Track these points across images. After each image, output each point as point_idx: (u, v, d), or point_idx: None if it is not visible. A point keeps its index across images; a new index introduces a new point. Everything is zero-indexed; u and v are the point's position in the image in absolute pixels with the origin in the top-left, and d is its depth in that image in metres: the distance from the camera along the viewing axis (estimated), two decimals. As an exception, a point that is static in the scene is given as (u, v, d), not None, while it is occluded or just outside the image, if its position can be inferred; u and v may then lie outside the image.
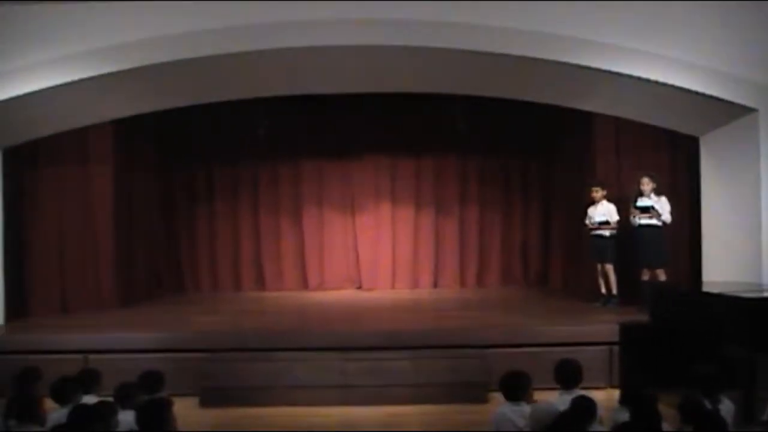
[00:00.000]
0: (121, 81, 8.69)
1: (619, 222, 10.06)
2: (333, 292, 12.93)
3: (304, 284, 13.36)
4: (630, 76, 8.62)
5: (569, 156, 12.42)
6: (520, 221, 13.59)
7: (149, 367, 6.35)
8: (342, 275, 13.39)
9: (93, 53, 8.42)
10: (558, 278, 12.97)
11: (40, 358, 7.56)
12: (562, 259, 12.92)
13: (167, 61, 8.43)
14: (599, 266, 10.19)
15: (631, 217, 9.80)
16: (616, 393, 6.64)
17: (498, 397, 5.57)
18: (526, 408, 5.30)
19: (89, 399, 5.57)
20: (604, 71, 8.62)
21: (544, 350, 8.09)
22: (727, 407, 5.22)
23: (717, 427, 4.50)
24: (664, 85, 8.65)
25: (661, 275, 9.66)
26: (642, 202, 9.70)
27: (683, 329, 7.65)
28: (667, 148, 10.66)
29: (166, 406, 4.76)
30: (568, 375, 5.68)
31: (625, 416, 4.86)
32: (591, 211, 10.27)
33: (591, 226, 10.22)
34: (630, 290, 9.96)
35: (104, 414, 4.84)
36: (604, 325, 8.64)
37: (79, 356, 8.33)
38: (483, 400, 7.72)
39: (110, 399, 5.38)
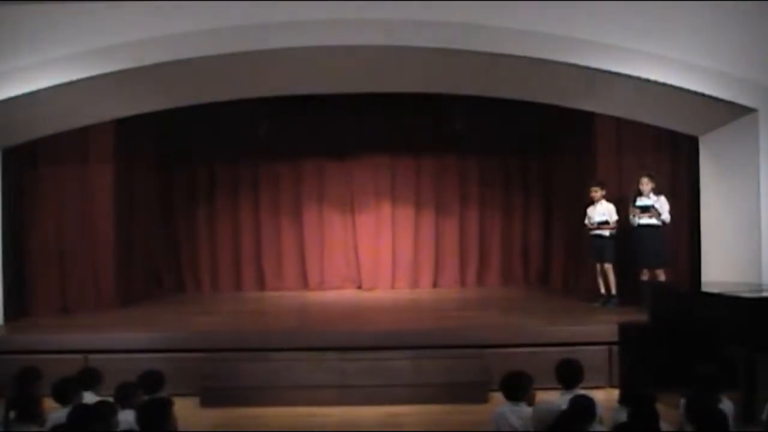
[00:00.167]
0: (121, 81, 8.69)
1: (618, 222, 10.06)
2: (333, 292, 12.93)
3: (304, 284, 13.36)
4: (630, 77, 8.62)
5: (569, 156, 12.43)
6: (520, 221, 13.58)
7: (149, 367, 6.35)
8: (342, 275, 13.39)
9: (93, 53, 8.41)
10: (558, 278, 12.97)
11: (39, 358, 7.55)
12: (562, 259, 12.92)
13: (167, 61, 8.42)
14: (598, 266, 10.18)
15: (631, 217, 9.80)
16: (615, 393, 6.63)
17: (498, 396, 5.58)
18: (525, 408, 5.31)
19: (89, 398, 5.58)
20: (605, 71, 8.62)
21: (544, 350, 8.11)
22: (726, 407, 5.22)
23: (720, 428, 4.51)
24: (664, 85, 8.65)
25: (661, 275, 9.66)
26: (641, 201, 9.71)
27: (683, 329, 7.67)
28: (667, 148, 10.67)
29: (166, 405, 4.77)
30: (569, 374, 5.68)
31: (624, 416, 4.87)
32: (590, 211, 10.27)
33: (590, 226, 10.22)
34: (629, 290, 9.97)
35: (104, 414, 4.84)
36: (604, 325, 8.65)
37: (79, 356, 8.33)
38: (483, 400, 7.72)
39: (110, 399, 5.38)
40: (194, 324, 9.72)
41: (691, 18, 8.64)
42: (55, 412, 5.36)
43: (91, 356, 8.34)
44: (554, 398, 5.38)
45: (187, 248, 13.45)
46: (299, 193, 13.40)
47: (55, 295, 10.65)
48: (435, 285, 13.37)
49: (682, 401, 5.44)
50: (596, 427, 4.88)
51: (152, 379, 5.99)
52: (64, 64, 8.42)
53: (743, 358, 6.54)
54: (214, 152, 13.30)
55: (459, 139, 12.85)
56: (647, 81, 8.63)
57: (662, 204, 9.68)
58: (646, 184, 9.72)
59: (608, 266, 10.06)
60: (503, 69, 9.00)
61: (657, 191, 9.75)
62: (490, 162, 13.49)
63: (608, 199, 10.21)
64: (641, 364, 7.85)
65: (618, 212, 10.09)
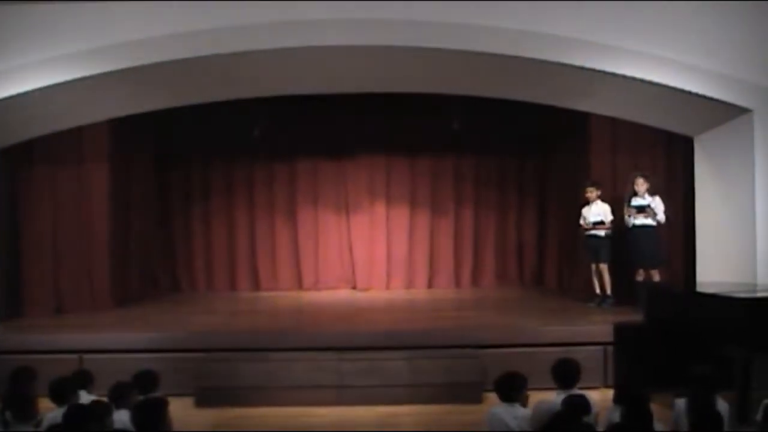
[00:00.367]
0: (117, 81, 8.68)
1: (613, 222, 10.06)
2: (328, 292, 12.92)
3: (299, 284, 13.35)
4: (625, 77, 8.63)
5: (565, 156, 12.43)
6: (515, 221, 13.58)
7: (144, 366, 6.34)
8: (337, 275, 13.38)
9: (89, 53, 8.40)
10: (553, 278, 12.97)
11: (34, 358, 7.53)
12: (557, 260, 12.92)
13: (164, 60, 8.41)
14: (594, 266, 10.19)
15: (626, 217, 9.81)
16: (611, 393, 6.65)
17: (493, 397, 5.58)
18: (520, 409, 5.31)
19: (84, 398, 5.58)
20: (600, 71, 8.63)
21: (539, 350, 8.12)
22: (721, 408, 5.23)
23: (716, 429, 4.52)
24: (659, 85, 8.67)
25: (656, 275, 9.68)
26: (637, 201, 9.72)
27: (678, 329, 7.68)
28: (662, 148, 10.69)
29: (162, 405, 4.76)
30: (566, 374, 5.68)
31: (619, 416, 4.88)
32: (585, 211, 10.27)
33: (586, 227, 10.22)
34: (624, 290, 9.97)
35: (99, 414, 4.84)
36: (599, 326, 8.68)
37: (74, 356, 8.33)
38: (478, 400, 7.73)
39: (104, 399, 5.38)
40: (189, 324, 9.70)
41: (686, 18, 8.66)
42: (52, 413, 5.35)
43: (86, 356, 8.35)
44: (551, 398, 5.38)
45: (182, 248, 13.43)
46: (294, 193, 13.39)
47: (50, 295, 10.61)
48: (430, 285, 13.35)
49: (677, 401, 5.46)
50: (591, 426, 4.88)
51: (147, 379, 5.98)
52: (60, 64, 8.41)
53: (738, 358, 6.55)
54: (209, 152, 13.29)
55: (454, 139, 12.85)
56: (642, 81, 8.65)
57: (657, 204, 9.69)
58: (641, 185, 9.73)
59: (603, 266, 10.07)
60: (500, 69, 9.01)
61: (652, 191, 9.76)
62: (485, 162, 13.49)
63: (603, 200, 10.21)
64: (636, 364, 7.86)
65: (613, 212, 10.09)
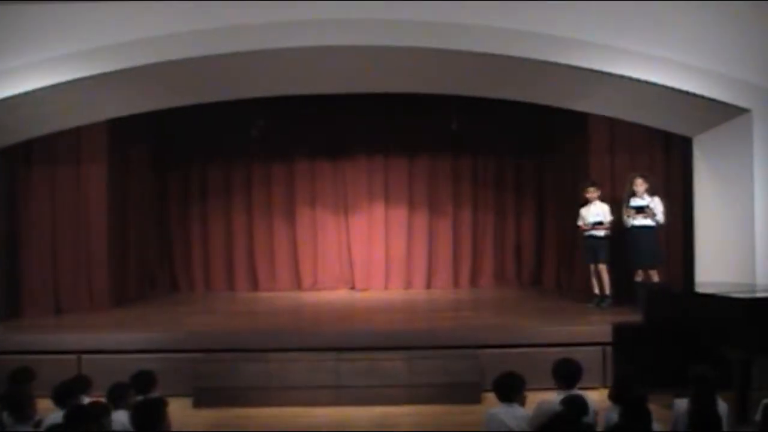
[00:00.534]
0: (116, 81, 8.68)
1: (612, 222, 10.06)
2: (326, 293, 12.91)
3: (298, 284, 13.35)
4: (623, 77, 8.64)
5: (563, 156, 12.44)
6: (513, 222, 13.58)
7: (142, 367, 6.33)
8: (335, 275, 13.37)
9: (88, 53, 8.40)
10: (551, 279, 12.98)
11: (33, 359, 7.55)
12: (555, 260, 12.93)
13: (162, 61, 8.42)
14: (592, 267, 10.18)
15: (625, 218, 9.80)
16: (609, 393, 6.66)
17: (491, 397, 5.58)
18: (519, 409, 5.31)
19: (82, 399, 5.57)
20: (598, 72, 8.64)
21: (538, 351, 8.13)
22: (720, 408, 5.23)
23: (715, 429, 4.53)
24: (658, 85, 8.67)
25: (655, 276, 9.67)
26: (636, 202, 9.72)
27: (676, 330, 7.68)
28: (661, 148, 10.69)
29: (161, 406, 4.76)
30: (567, 374, 5.68)
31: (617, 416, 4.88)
32: (584, 211, 10.26)
33: (584, 227, 10.21)
34: (623, 291, 9.97)
35: (98, 414, 4.84)
36: (598, 326, 8.68)
37: (73, 356, 8.34)
38: (476, 400, 7.73)
39: (102, 399, 5.38)
40: (188, 324, 9.70)
41: (684, 19, 8.67)
42: (53, 414, 5.34)
43: (85, 356, 8.36)
44: (552, 398, 5.37)
45: (180, 248, 13.44)
46: (293, 193, 13.39)
47: (49, 295, 10.61)
48: (428, 286, 13.35)
49: (676, 401, 5.45)
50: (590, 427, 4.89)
51: (144, 380, 5.98)
52: (58, 65, 8.41)
53: (737, 358, 6.55)
54: (208, 152, 13.29)
55: (453, 139, 12.85)
56: (641, 81, 8.66)
57: (656, 205, 9.69)
58: (640, 185, 9.73)
59: (602, 267, 10.06)
60: (498, 69, 9.02)
61: (651, 192, 9.76)
62: (484, 162, 13.49)
63: (602, 200, 10.21)
64: (635, 364, 7.86)
65: (612, 212, 10.09)
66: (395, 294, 12.73)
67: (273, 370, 8.10)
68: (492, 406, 5.50)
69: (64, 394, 5.54)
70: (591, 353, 8.19)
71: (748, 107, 8.77)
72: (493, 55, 8.55)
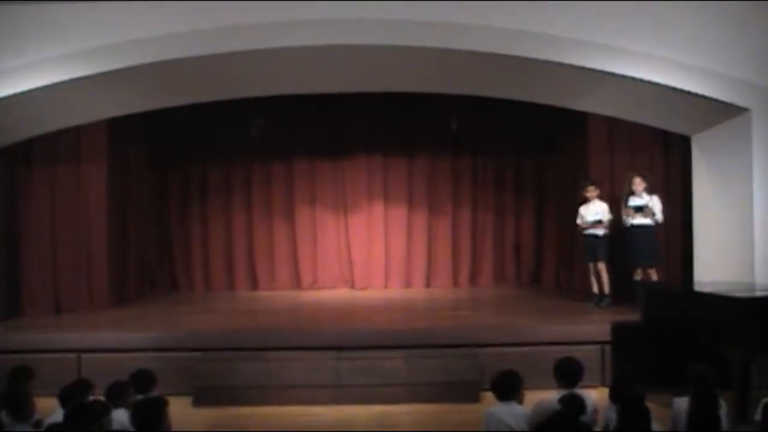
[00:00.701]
0: (115, 80, 8.68)
1: (611, 221, 10.06)
2: (326, 292, 12.92)
3: (297, 284, 13.35)
4: (623, 76, 8.64)
5: (562, 155, 12.45)
6: (513, 221, 13.58)
7: (142, 366, 6.33)
8: (335, 275, 13.38)
9: (87, 52, 8.40)
10: (550, 278, 12.99)
11: (33, 358, 7.57)
12: (554, 259, 12.94)
13: (162, 60, 8.42)
14: (592, 266, 10.19)
15: (624, 217, 9.81)
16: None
17: (491, 396, 5.58)
18: (518, 407, 5.32)
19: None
20: (598, 71, 8.64)
21: (537, 350, 8.15)
22: (720, 408, 5.23)
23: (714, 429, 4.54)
24: (657, 84, 8.67)
25: (654, 275, 9.68)
26: (635, 201, 9.72)
27: (675, 329, 7.68)
28: (660, 147, 10.69)
29: (161, 405, 4.76)
30: (569, 373, 5.68)
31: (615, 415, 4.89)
32: (583, 210, 10.26)
33: (584, 226, 10.21)
34: (622, 290, 9.97)
35: (98, 413, 4.84)
36: (597, 325, 8.69)
37: (72, 356, 8.36)
38: (476, 399, 7.74)
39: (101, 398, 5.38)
40: (187, 323, 9.70)
41: (684, 18, 8.66)
42: (55, 414, 5.35)
43: (85, 355, 8.37)
44: (551, 397, 5.38)
45: (180, 248, 13.44)
46: (292, 192, 13.39)
47: (49, 295, 10.62)
48: (428, 285, 13.35)
49: (676, 401, 5.46)
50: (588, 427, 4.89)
51: (144, 379, 5.98)
52: (57, 64, 8.41)
53: (736, 357, 6.55)
54: (207, 152, 13.29)
55: (452, 138, 12.86)
56: (640, 81, 8.66)
57: (655, 204, 9.69)
58: (639, 184, 9.73)
59: (601, 265, 10.06)
60: (498, 69, 9.02)
61: (650, 191, 9.76)
62: (483, 161, 13.50)
63: (601, 199, 10.21)
64: (634, 363, 7.86)
65: (611, 212, 10.09)
66: (395, 293, 12.74)
67: (273, 369, 8.11)
68: (491, 405, 5.50)
69: (68, 398, 5.54)
70: (590, 352, 8.19)
71: (747, 107, 8.77)
72: (492, 55, 8.55)
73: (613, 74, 8.64)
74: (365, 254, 13.34)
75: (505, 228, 13.57)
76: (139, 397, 5.44)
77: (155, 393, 5.71)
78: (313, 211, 13.39)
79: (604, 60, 8.58)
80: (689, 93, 8.70)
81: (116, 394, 5.50)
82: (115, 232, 11.38)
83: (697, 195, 10.00)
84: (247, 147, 12.89)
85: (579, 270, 11.03)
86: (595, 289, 10.14)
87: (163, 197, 13.41)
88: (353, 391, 7.94)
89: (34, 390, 5.77)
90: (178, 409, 6.75)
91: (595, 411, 5.38)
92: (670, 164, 10.67)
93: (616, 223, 10.00)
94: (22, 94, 8.53)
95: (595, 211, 10.12)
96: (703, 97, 8.73)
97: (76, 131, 10.37)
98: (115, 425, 5.07)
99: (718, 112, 9.03)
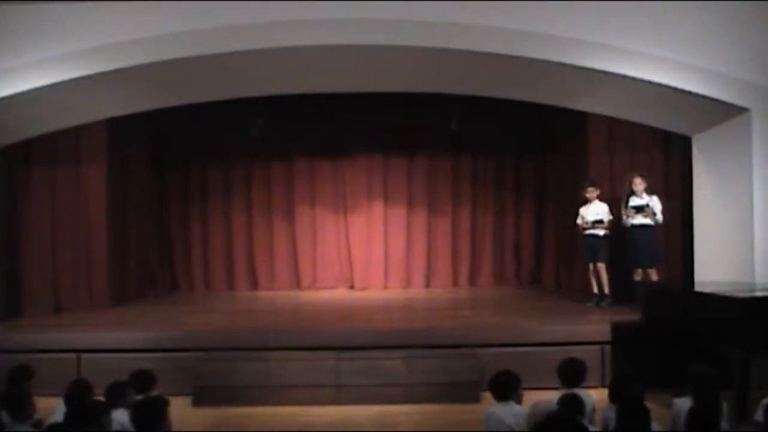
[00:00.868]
0: (114, 80, 8.68)
1: (611, 221, 10.06)
2: (325, 292, 12.91)
3: (297, 284, 13.35)
4: (623, 76, 8.64)
5: (562, 155, 12.45)
6: (512, 221, 13.57)
7: (142, 366, 6.33)
8: (334, 275, 13.37)
9: (88, 52, 8.40)
10: (550, 278, 12.98)
11: (33, 357, 7.57)
12: (554, 259, 12.93)
13: (162, 60, 8.42)
14: (591, 266, 10.18)
15: (624, 218, 9.80)
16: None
17: (490, 396, 5.58)
18: (516, 407, 5.33)
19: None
20: (598, 71, 8.64)
21: (537, 350, 8.16)
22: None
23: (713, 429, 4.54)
24: (657, 84, 8.67)
25: (654, 275, 9.67)
26: (635, 201, 9.72)
27: (675, 329, 7.68)
28: (660, 147, 10.68)
29: (162, 405, 4.77)
30: (572, 373, 5.69)
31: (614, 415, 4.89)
32: (583, 210, 10.26)
33: (584, 226, 10.21)
34: (622, 290, 9.97)
35: (98, 413, 4.84)
36: (597, 325, 8.68)
37: (72, 355, 8.35)
38: (475, 399, 7.73)
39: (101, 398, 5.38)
40: (187, 323, 9.70)
41: (684, 18, 8.67)
42: (56, 414, 5.35)
43: (84, 355, 8.36)
44: (549, 397, 5.38)
45: (180, 248, 13.43)
46: (292, 192, 13.38)
47: (49, 295, 10.62)
48: (427, 285, 13.35)
49: (676, 401, 5.46)
50: (589, 427, 4.89)
51: (143, 379, 5.97)
52: (57, 64, 8.41)
53: (736, 358, 6.55)
54: (207, 152, 13.28)
55: (452, 138, 12.85)
56: (640, 81, 8.66)
57: (655, 204, 9.69)
58: (639, 184, 9.72)
59: (601, 266, 10.06)
60: (497, 69, 9.02)
61: (650, 191, 9.76)
62: (483, 162, 13.49)
63: (602, 199, 10.21)
64: (633, 363, 7.85)
65: (611, 212, 10.08)
66: (394, 293, 12.73)
67: (272, 369, 8.11)
68: (491, 405, 5.50)
69: (72, 398, 5.55)
70: (590, 352, 8.16)
71: (747, 106, 8.77)
72: (492, 55, 8.55)
73: (613, 74, 8.64)
74: (365, 254, 13.33)
75: (504, 228, 13.57)
76: (139, 397, 5.44)
77: (155, 393, 5.71)
78: (313, 211, 13.39)
79: (604, 60, 8.58)
80: (689, 93, 8.71)
81: (116, 394, 5.49)
82: (115, 232, 11.37)
83: (697, 195, 10.00)
84: (247, 147, 12.89)
85: (579, 270, 11.03)
86: (595, 289, 10.14)
87: (163, 197, 13.40)
88: (353, 391, 7.93)
89: (33, 390, 5.77)
90: (178, 409, 6.72)
91: (594, 411, 5.38)
92: (670, 164, 10.66)
93: (616, 224, 9.99)
94: (22, 94, 8.52)
95: (595, 212, 10.12)
96: (703, 97, 8.73)
97: (75, 131, 10.37)
98: (115, 425, 5.07)
99: (718, 112, 9.03)
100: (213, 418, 7.54)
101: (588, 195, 10.23)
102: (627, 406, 4.68)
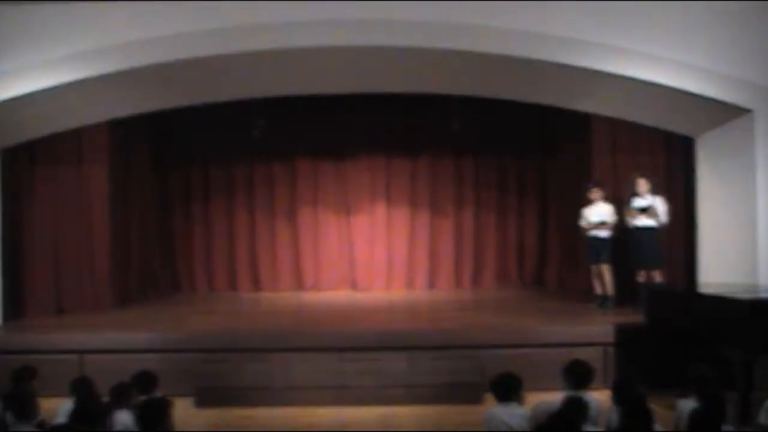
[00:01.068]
0: (118, 82, 8.69)
1: (615, 223, 10.04)
2: (328, 293, 12.90)
3: (300, 285, 13.33)
4: (626, 77, 8.64)
5: (565, 156, 12.43)
6: (515, 222, 13.55)
7: (144, 367, 6.33)
8: (337, 276, 13.36)
9: (90, 54, 8.41)
10: (553, 279, 12.96)
11: (36, 358, 7.56)
12: (557, 260, 12.92)
13: (164, 61, 8.43)
14: (595, 267, 10.17)
15: (628, 219, 9.79)
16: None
17: (493, 397, 5.57)
18: (517, 408, 5.32)
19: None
20: (601, 72, 8.64)
21: (540, 351, 8.16)
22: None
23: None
24: (661, 85, 8.67)
25: (657, 276, 9.66)
26: (638, 202, 9.70)
27: (678, 330, 7.67)
28: (663, 148, 10.66)
29: (166, 406, 4.77)
30: (578, 376, 5.67)
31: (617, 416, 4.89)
32: (586, 212, 10.25)
33: (587, 227, 10.20)
34: (626, 291, 9.95)
35: (100, 414, 4.84)
36: (600, 326, 8.68)
37: (75, 356, 8.36)
38: (478, 400, 7.73)
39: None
40: (189, 324, 9.72)
41: (687, 18, 8.67)
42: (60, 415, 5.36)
43: (87, 356, 8.36)
44: (549, 399, 5.37)
45: (182, 248, 13.43)
46: (294, 193, 13.38)
47: (52, 296, 10.62)
48: (430, 286, 13.33)
49: (680, 402, 5.45)
50: (589, 427, 4.88)
51: (146, 380, 5.98)
52: (60, 66, 8.43)
53: (739, 359, 6.54)
54: (209, 152, 13.28)
55: (455, 140, 12.84)
56: (643, 82, 8.66)
57: (659, 205, 9.67)
58: (643, 185, 9.70)
59: (605, 267, 10.04)
60: (500, 70, 9.02)
61: (653, 192, 9.74)
62: (486, 163, 13.46)
63: (605, 200, 10.20)
64: (637, 365, 7.85)
65: (615, 213, 10.07)
66: (397, 294, 12.73)
67: (275, 370, 8.11)
68: (493, 406, 5.50)
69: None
70: (593, 353, 8.16)
71: (750, 107, 8.76)
72: (495, 56, 8.55)
73: (615, 75, 8.64)
74: (367, 255, 13.32)
75: (507, 229, 13.55)
76: (142, 398, 5.44)
77: (157, 394, 5.71)
78: (315, 211, 13.38)
79: (607, 61, 8.58)
80: (692, 94, 8.70)
81: (119, 395, 5.50)
82: (118, 233, 11.38)
83: (700, 196, 10.00)
84: (249, 148, 12.89)
85: (582, 271, 11.00)
86: (598, 290, 10.12)
87: (166, 198, 13.39)
88: (355, 392, 7.93)
89: (36, 390, 5.78)
90: (180, 410, 6.76)
91: (598, 413, 5.37)
92: (673, 165, 10.65)
93: (620, 225, 9.98)
94: (26, 95, 8.55)
95: (598, 213, 10.11)
96: (707, 98, 8.72)
97: (78, 132, 10.37)
98: (118, 426, 5.07)
99: (722, 113, 9.02)
100: (215, 419, 7.55)
101: (591, 196, 10.22)
102: (630, 407, 4.67)
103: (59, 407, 5.60)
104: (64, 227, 10.73)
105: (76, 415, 4.74)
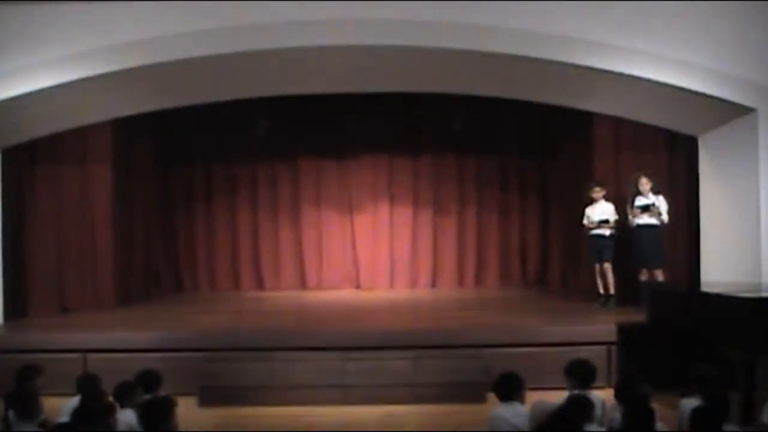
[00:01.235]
0: (119, 81, 8.69)
1: (617, 221, 10.04)
2: (331, 292, 12.91)
3: (303, 284, 13.36)
4: (629, 76, 8.62)
5: (568, 155, 12.42)
6: (518, 221, 13.57)
7: (148, 366, 6.34)
8: (340, 275, 13.38)
9: (92, 53, 8.41)
10: (556, 278, 12.97)
11: (39, 357, 7.53)
12: (560, 259, 12.92)
13: (166, 60, 8.43)
14: (597, 266, 10.16)
15: (630, 217, 9.78)
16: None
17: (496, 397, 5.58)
18: (520, 407, 5.33)
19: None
20: (603, 71, 8.62)
21: (543, 350, 8.15)
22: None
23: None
24: (663, 84, 8.65)
25: (659, 275, 9.65)
26: (641, 201, 9.69)
27: (681, 330, 7.66)
28: (666, 147, 10.66)
29: (170, 405, 4.78)
30: (581, 375, 5.68)
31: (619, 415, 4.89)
32: (589, 211, 10.25)
33: (590, 226, 10.20)
34: (628, 290, 9.95)
35: (104, 413, 4.85)
36: (602, 325, 8.66)
37: (78, 355, 8.35)
38: (481, 400, 7.71)
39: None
40: (193, 323, 9.72)
41: (690, 17, 8.65)
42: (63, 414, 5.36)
43: (90, 355, 8.37)
44: (549, 398, 5.37)
45: (185, 248, 13.46)
46: (297, 192, 13.41)
47: (55, 295, 10.65)
48: (433, 285, 13.36)
49: (683, 401, 5.45)
50: (593, 427, 4.88)
51: (150, 379, 5.98)
52: (63, 64, 8.43)
53: (742, 358, 6.53)
54: (212, 152, 13.31)
55: (457, 139, 12.86)
56: (646, 80, 8.64)
57: (661, 203, 9.67)
58: (645, 184, 9.69)
59: (607, 266, 10.04)
60: (501, 69, 9.01)
61: (655, 190, 9.74)
62: (489, 162, 13.48)
63: (607, 199, 10.20)
64: (639, 364, 7.84)
65: (617, 212, 10.07)
66: (400, 293, 12.74)
67: (278, 370, 8.11)
68: (493, 407, 5.50)
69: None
70: (596, 353, 8.12)
71: (753, 106, 8.75)
72: (496, 55, 8.54)
73: (618, 74, 8.63)
74: (370, 254, 13.34)
75: (510, 228, 13.56)
76: (146, 397, 5.45)
77: (161, 393, 5.71)
78: (319, 211, 13.40)
79: (609, 60, 8.57)
80: (695, 93, 8.69)
81: (123, 394, 5.51)
82: (120, 232, 11.40)
83: (703, 195, 9.99)
84: (252, 147, 12.93)
85: (585, 270, 11.00)
86: (601, 289, 10.12)
87: (168, 197, 13.42)
88: (358, 391, 7.93)
89: (39, 389, 5.78)
90: (184, 409, 6.73)
91: (603, 412, 5.37)
92: (676, 164, 10.65)
93: (622, 224, 9.97)
94: (28, 94, 8.54)
95: (601, 212, 10.10)
96: (709, 96, 8.71)
97: (81, 131, 10.37)
98: (122, 425, 5.08)
99: (724, 112, 9.01)
100: (218, 418, 7.54)
101: (594, 195, 10.21)
102: (632, 406, 4.67)
103: (63, 406, 5.60)
104: (66, 227, 10.75)
105: (78, 414, 4.74)
